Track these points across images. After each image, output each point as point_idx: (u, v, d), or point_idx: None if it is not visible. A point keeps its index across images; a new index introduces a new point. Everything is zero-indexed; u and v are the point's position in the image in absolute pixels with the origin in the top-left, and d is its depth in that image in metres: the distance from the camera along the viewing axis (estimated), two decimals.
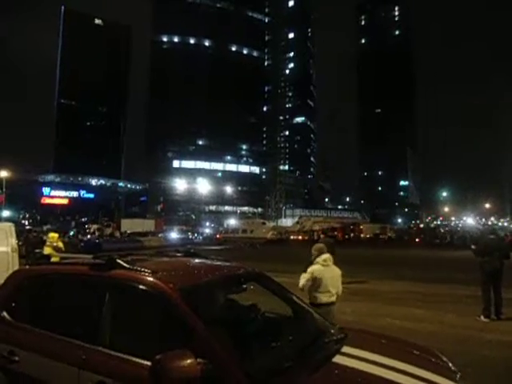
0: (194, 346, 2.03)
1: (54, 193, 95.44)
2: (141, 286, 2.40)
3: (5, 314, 2.83)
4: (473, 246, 8.08)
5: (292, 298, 3.07)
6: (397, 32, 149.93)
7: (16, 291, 2.96)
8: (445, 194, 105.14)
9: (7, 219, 41.52)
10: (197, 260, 3.29)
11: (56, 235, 11.27)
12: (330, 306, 4.69)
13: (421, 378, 2.23)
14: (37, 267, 3.20)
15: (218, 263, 3.24)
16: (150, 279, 2.41)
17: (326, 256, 4.88)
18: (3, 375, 2.57)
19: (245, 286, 2.94)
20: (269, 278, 3.18)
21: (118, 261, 2.61)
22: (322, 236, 14.64)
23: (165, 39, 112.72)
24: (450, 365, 2.83)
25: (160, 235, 44.45)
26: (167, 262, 3.20)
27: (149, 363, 2.05)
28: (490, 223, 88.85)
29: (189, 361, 1.92)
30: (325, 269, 4.76)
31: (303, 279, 4.76)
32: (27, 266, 3.33)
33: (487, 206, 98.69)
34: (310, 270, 4.79)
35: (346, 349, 2.44)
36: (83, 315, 2.56)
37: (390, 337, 3.18)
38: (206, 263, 3.21)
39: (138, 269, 2.52)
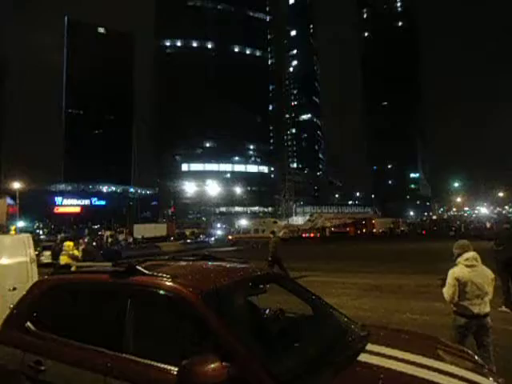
0: (219, 350, 2.03)
1: (66, 201, 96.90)
2: (161, 292, 2.42)
3: (29, 324, 2.86)
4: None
5: (312, 298, 3.06)
6: (400, 23, 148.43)
7: (39, 301, 2.99)
8: (456, 184, 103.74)
9: (23, 230, 42.19)
10: (215, 263, 3.29)
11: (72, 244, 11.35)
12: (485, 317, 3.82)
13: (450, 374, 2.19)
14: (58, 277, 3.23)
15: (237, 265, 3.24)
16: (171, 284, 2.41)
17: (470, 254, 3.92)
18: None
19: (264, 288, 2.93)
20: (288, 278, 3.18)
21: (138, 267, 2.62)
22: (270, 235, 12.57)
23: (168, 44, 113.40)
24: (477, 358, 2.79)
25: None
26: (186, 266, 3.20)
27: (174, 368, 2.06)
28: (504, 212, 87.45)
29: (215, 365, 1.92)
30: (470, 270, 3.85)
31: (447, 288, 3.89)
32: (46, 276, 3.37)
33: (501, 194, 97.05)
34: (450, 272, 3.93)
35: (370, 346, 2.42)
36: (106, 323, 2.58)
37: (414, 332, 3.14)
38: (225, 266, 3.21)
39: (158, 274, 2.53)
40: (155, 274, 2.55)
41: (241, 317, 2.60)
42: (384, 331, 2.97)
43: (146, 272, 2.57)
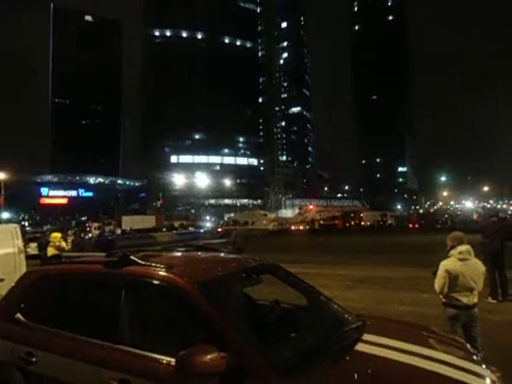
0: (216, 340, 2.01)
1: (52, 193, 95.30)
2: (157, 282, 2.38)
3: (19, 315, 2.80)
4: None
5: (307, 288, 3.06)
6: (390, 17, 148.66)
7: (29, 292, 2.93)
8: (443, 178, 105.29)
9: (7, 221, 41.47)
10: (209, 253, 3.26)
11: (59, 235, 11.18)
12: (473, 308, 3.93)
13: (443, 362, 2.22)
14: (49, 267, 3.17)
15: (232, 256, 3.22)
16: (166, 274, 2.38)
17: (464, 248, 3.93)
18: (22, 376, 2.56)
19: (260, 278, 2.91)
20: (283, 268, 3.16)
21: (132, 257, 2.58)
22: (237, 227, 12.76)
23: (157, 33, 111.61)
24: (468, 346, 2.83)
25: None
26: (180, 256, 3.17)
27: (170, 359, 2.04)
28: (488, 206, 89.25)
29: (213, 355, 1.90)
30: (462, 263, 3.88)
31: (438, 279, 3.94)
32: (36, 267, 3.30)
33: (486, 189, 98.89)
34: (441, 264, 3.96)
35: (366, 336, 2.43)
36: (99, 313, 2.53)
37: (407, 322, 3.17)
38: (220, 256, 3.19)
39: (153, 264, 2.49)
40: (150, 264, 2.51)
41: (237, 307, 2.58)
42: (378, 321, 2.99)
43: (141, 262, 2.53)
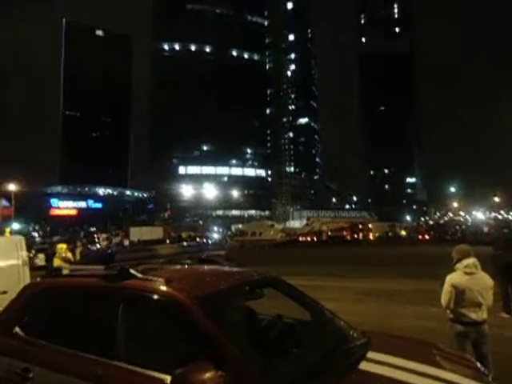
0: (215, 357, 1.95)
1: (62, 204, 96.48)
2: (155, 296, 2.34)
3: (17, 329, 2.77)
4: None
5: (310, 303, 2.98)
6: (397, 29, 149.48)
7: (28, 306, 2.89)
8: (453, 189, 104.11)
9: (18, 232, 41.89)
10: (211, 267, 3.21)
11: (64, 246, 11.22)
12: (482, 324, 3.76)
13: (450, 383, 2.13)
14: (48, 280, 3.13)
15: (233, 269, 3.16)
16: (165, 288, 2.33)
17: (470, 261, 3.80)
18: None
19: (263, 292, 2.85)
20: (285, 282, 3.09)
21: (131, 271, 2.53)
22: (229, 241, 12.65)
23: (166, 47, 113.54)
24: (479, 365, 2.73)
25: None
26: (181, 269, 3.12)
27: (167, 376, 1.98)
28: (499, 217, 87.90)
29: (210, 374, 1.84)
30: (469, 277, 3.74)
31: (444, 294, 3.82)
32: (38, 279, 3.27)
33: (496, 199, 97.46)
34: (448, 278, 3.83)
35: (370, 354, 2.34)
36: (97, 328, 2.49)
37: (413, 339, 3.07)
38: (221, 270, 3.13)
39: (152, 278, 2.45)
40: (149, 277, 2.46)
41: (238, 323, 2.52)
42: (383, 337, 2.90)
43: (139, 275, 2.48)
